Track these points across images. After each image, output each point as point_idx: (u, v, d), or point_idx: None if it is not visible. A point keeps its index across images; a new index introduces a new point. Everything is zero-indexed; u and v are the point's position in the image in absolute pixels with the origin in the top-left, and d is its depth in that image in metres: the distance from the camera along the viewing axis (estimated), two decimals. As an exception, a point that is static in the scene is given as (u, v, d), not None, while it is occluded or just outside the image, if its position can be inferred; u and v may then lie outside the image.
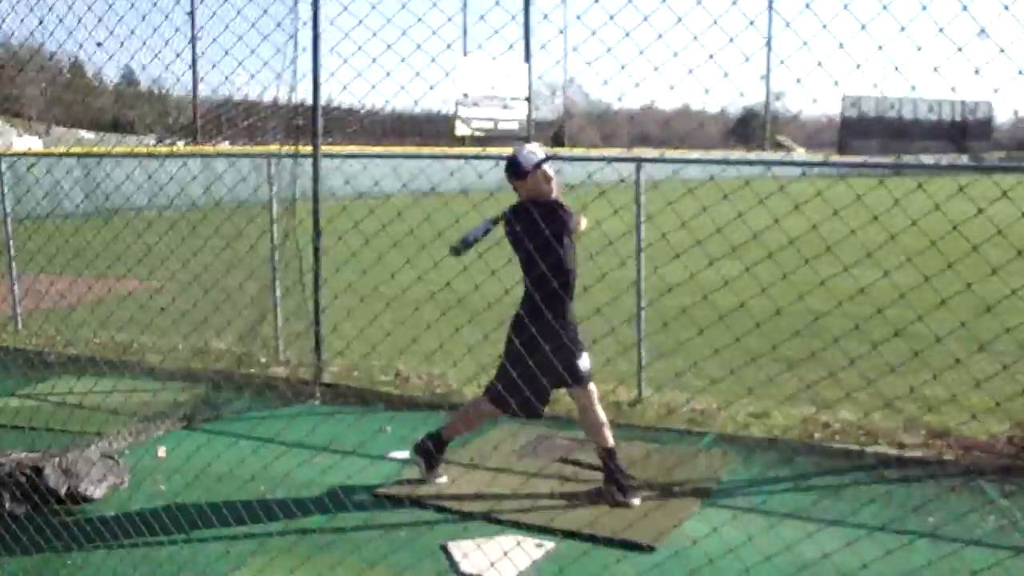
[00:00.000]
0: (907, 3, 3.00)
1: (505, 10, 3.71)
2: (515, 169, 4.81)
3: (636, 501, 4.86)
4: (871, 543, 4.16)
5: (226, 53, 4.78)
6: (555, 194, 4.83)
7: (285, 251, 7.34)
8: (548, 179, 4.81)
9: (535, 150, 4.85)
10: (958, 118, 47.84)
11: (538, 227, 4.56)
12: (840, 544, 4.03)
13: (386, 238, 4.55)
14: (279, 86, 6.26)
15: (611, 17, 3.24)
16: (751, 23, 3.19)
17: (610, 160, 5.76)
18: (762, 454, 5.64)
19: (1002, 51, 3.13)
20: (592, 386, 5.00)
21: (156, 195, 5.95)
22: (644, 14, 3.27)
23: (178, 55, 5.33)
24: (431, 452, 5.18)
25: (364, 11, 3.83)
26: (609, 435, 4.97)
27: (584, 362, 4.93)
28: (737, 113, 56.61)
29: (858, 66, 3.19)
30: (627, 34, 3.20)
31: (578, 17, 3.47)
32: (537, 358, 4.54)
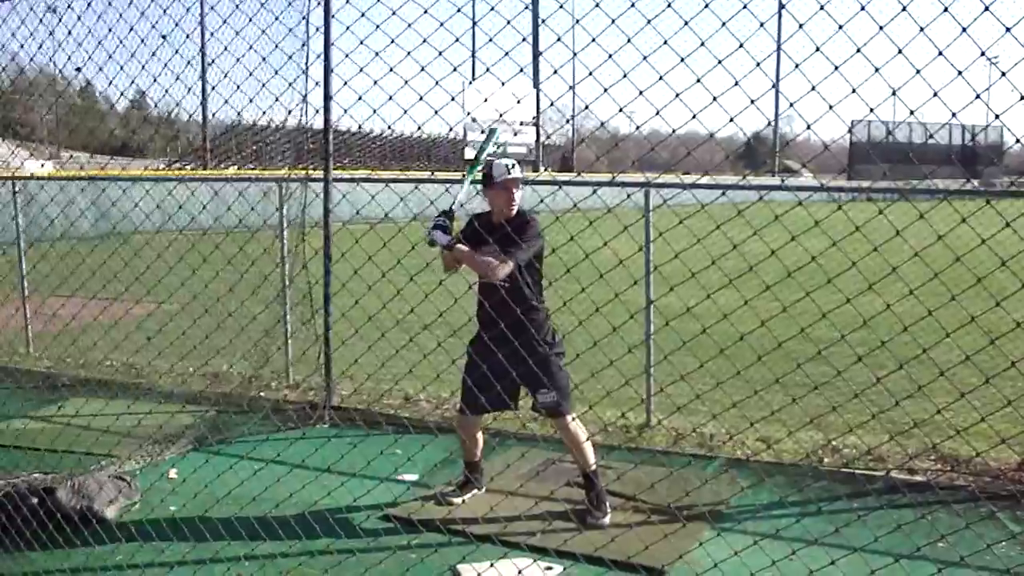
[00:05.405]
0: (910, 28, 3.03)
1: (501, 49, 3.76)
2: (486, 176, 5.05)
3: (605, 521, 4.97)
4: (886, 572, 4.14)
5: (242, 83, 4.88)
6: (510, 213, 5.01)
7: (297, 276, 7.38)
8: (506, 198, 5.00)
9: (511, 167, 5.02)
10: (968, 143, 47.85)
11: (503, 232, 4.76)
12: (854, 571, 4.02)
13: (400, 268, 4.60)
14: (291, 111, 6.34)
15: (589, 39, 3.33)
16: (757, 64, 3.22)
17: (614, 184, 5.75)
18: (771, 479, 5.64)
19: (1003, 75, 3.15)
20: (567, 407, 5.03)
21: (166, 222, 6.00)
22: (640, 37, 3.33)
23: (190, 89, 5.44)
24: (467, 477, 5.46)
25: (373, 38, 3.87)
26: (590, 452, 5.05)
27: (560, 374, 5.00)
28: (747, 136, 56.68)
29: (869, 108, 3.22)
30: (609, 59, 3.29)
31: (589, 72, 3.51)
32: (504, 352, 4.53)
